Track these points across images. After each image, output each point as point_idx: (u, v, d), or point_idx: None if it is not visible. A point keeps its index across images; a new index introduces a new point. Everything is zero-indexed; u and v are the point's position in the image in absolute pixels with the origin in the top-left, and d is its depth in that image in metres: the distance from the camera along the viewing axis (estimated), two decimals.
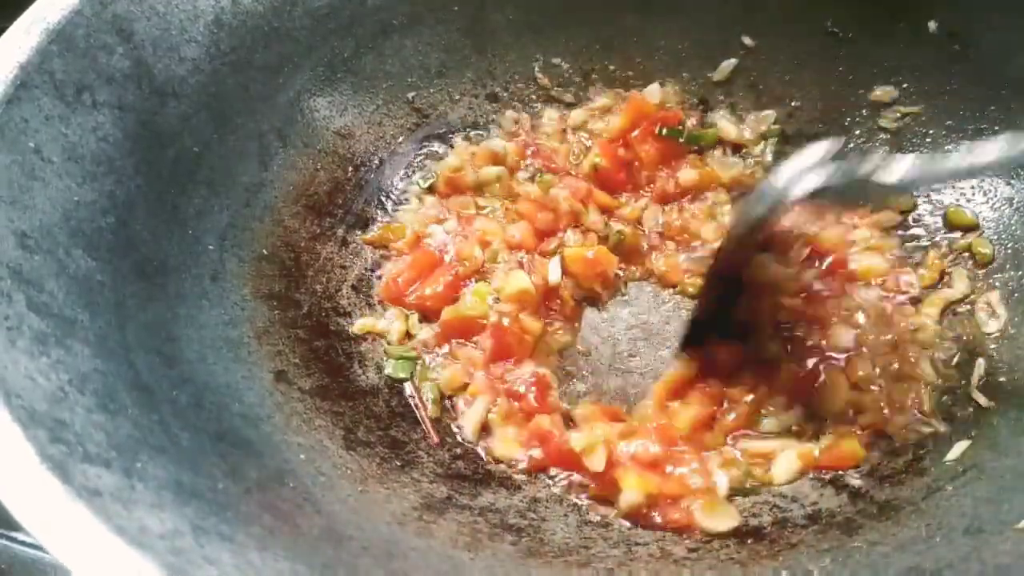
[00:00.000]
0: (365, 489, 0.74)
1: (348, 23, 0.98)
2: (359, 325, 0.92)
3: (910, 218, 0.95)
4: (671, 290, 0.96)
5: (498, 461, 0.82)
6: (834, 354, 0.85)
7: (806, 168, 0.75)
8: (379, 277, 0.96)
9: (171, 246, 0.80)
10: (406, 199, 1.02)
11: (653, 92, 1.04)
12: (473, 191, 1.02)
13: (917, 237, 0.94)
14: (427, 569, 0.66)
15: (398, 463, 0.79)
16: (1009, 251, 0.88)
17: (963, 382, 0.82)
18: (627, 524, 0.76)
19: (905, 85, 0.97)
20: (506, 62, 1.07)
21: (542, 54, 1.07)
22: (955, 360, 0.84)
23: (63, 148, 0.72)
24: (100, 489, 0.53)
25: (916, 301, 0.89)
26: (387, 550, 0.66)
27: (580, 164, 1.02)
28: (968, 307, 0.87)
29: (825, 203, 0.77)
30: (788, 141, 1.02)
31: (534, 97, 1.08)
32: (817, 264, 0.92)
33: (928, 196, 0.95)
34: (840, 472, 0.78)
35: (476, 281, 0.93)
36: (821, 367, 0.84)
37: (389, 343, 0.91)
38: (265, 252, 0.89)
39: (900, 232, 0.95)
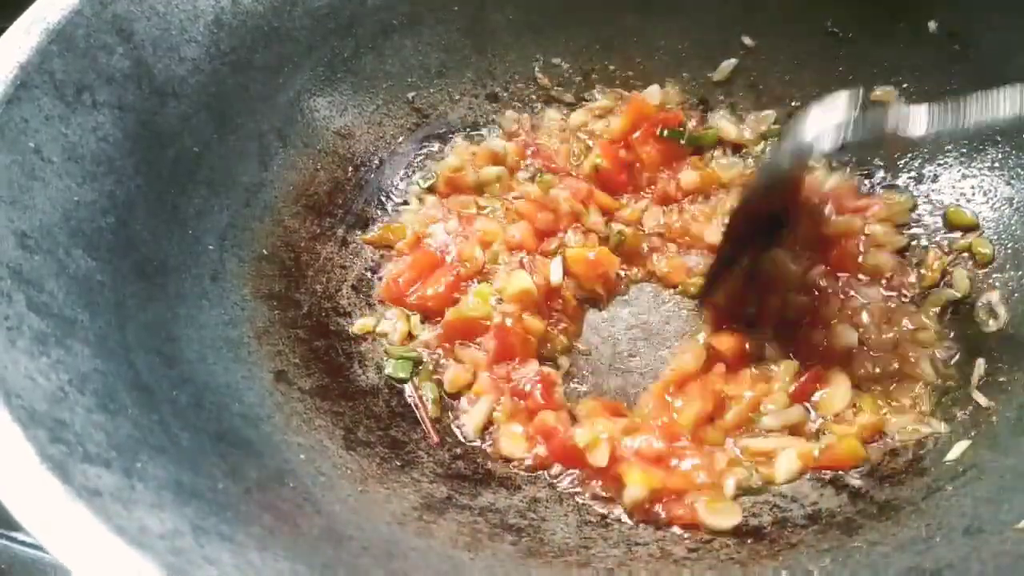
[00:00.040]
0: (365, 489, 0.74)
1: (348, 23, 0.98)
2: (359, 325, 0.92)
3: (910, 218, 0.95)
4: (671, 291, 0.96)
5: (503, 459, 0.82)
6: (836, 353, 0.85)
7: (832, 121, 0.74)
8: (379, 277, 0.96)
9: (171, 246, 0.80)
10: (406, 199, 1.02)
11: (653, 93, 1.04)
12: (473, 191, 1.02)
13: (917, 237, 0.94)
14: (427, 569, 0.66)
15: (398, 463, 0.79)
16: (1009, 251, 0.88)
17: (963, 382, 0.82)
18: (627, 524, 0.76)
19: (905, 85, 0.97)
20: (506, 62, 1.07)
21: (542, 54, 1.07)
22: (955, 360, 0.84)
23: (63, 148, 0.72)
24: (100, 489, 0.53)
25: (917, 301, 0.89)
26: (387, 550, 0.66)
27: (580, 165, 1.02)
28: (968, 307, 0.87)
29: (847, 155, 0.76)
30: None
31: (534, 97, 1.08)
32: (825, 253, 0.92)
33: (928, 196, 0.95)
34: (840, 472, 0.78)
35: (477, 282, 0.93)
36: (823, 366, 0.85)
37: (390, 343, 0.91)
38: (265, 252, 0.89)
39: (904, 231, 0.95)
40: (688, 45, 1.05)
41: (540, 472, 0.81)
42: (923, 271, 0.91)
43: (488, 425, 0.85)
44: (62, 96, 0.73)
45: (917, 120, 0.72)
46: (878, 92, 0.98)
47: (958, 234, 0.92)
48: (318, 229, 0.96)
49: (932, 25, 0.92)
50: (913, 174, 0.97)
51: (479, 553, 0.70)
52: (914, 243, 0.94)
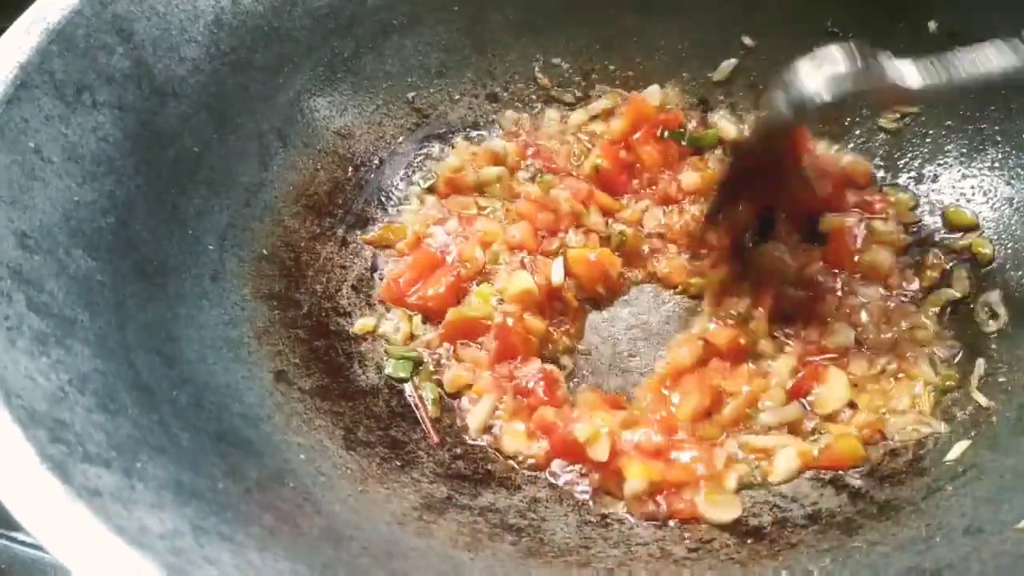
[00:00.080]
0: (365, 489, 0.74)
1: (348, 23, 0.98)
2: (359, 325, 0.92)
3: (912, 217, 0.95)
4: (671, 291, 0.96)
5: (507, 457, 0.82)
6: (833, 352, 0.85)
7: (832, 71, 0.73)
8: (380, 277, 0.96)
9: (171, 246, 0.80)
10: (406, 199, 1.02)
11: (653, 93, 1.04)
12: (474, 191, 1.02)
13: (917, 237, 0.94)
14: (427, 569, 0.66)
15: (398, 463, 0.79)
16: (1009, 251, 0.88)
17: (963, 382, 0.82)
18: (627, 524, 0.76)
19: None
20: (506, 62, 1.07)
21: (542, 54, 1.07)
22: (955, 360, 0.84)
23: (63, 148, 0.72)
24: (100, 489, 0.53)
25: (917, 301, 0.89)
26: (387, 550, 0.66)
27: (581, 165, 1.02)
28: (968, 307, 0.87)
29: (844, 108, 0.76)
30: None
31: (534, 97, 1.08)
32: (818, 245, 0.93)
33: (928, 196, 0.95)
34: (840, 472, 0.78)
35: (478, 282, 0.93)
36: (821, 364, 0.85)
37: (390, 343, 0.91)
38: (265, 252, 0.89)
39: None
40: (688, 45, 1.05)
41: (540, 472, 0.81)
42: (923, 271, 0.91)
43: (490, 425, 0.85)
44: (62, 96, 0.73)
45: (914, 72, 0.72)
46: None
47: (958, 234, 0.92)
48: (318, 229, 0.96)
49: (932, 25, 0.92)
50: (913, 174, 0.97)
51: (479, 553, 0.70)
52: (914, 243, 0.94)
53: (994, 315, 0.85)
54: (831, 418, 0.82)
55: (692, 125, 1.04)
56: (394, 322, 0.92)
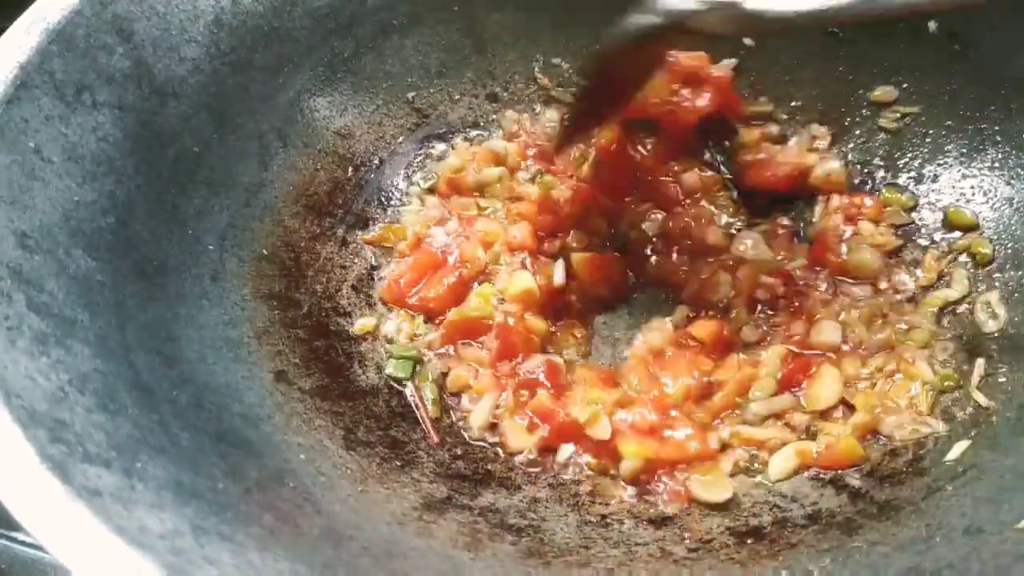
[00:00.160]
0: (365, 489, 0.74)
1: (348, 23, 0.98)
2: (359, 325, 0.92)
3: (909, 218, 0.95)
4: (671, 292, 0.96)
5: (511, 454, 0.83)
6: (819, 348, 0.86)
7: None
8: (380, 278, 0.96)
9: (171, 246, 0.80)
10: (407, 199, 1.02)
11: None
12: (474, 192, 1.02)
13: (916, 237, 0.94)
14: (427, 569, 0.66)
15: (398, 463, 0.79)
16: (1009, 251, 0.88)
17: (963, 382, 0.82)
18: (627, 524, 0.76)
19: (905, 85, 0.97)
20: (506, 62, 1.07)
21: (542, 54, 1.07)
22: (955, 360, 0.84)
23: (63, 148, 0.72)
24: (100, 489, 0.53)
25: (916, 300, 0.89)
26: (387, 550, 0.66)
27: (581, 166, 1.02)
28: (968, 307, 0.87)
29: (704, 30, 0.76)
30: (788, 141, 1.02)
31: (534, 97, 1.08)
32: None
33: (928, 196, 0.95)
34: (840, 472, 0.78)
35: (479, 282, 0.93)
36: (812, 358, 0.85)
37: (391, 343, 0.91)
38: (265, 252, 0.90)
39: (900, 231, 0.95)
40: (688, 45, 1.05)
41: (540, 473, 0.82)
42: (920, 271, 0.91)
43: (493, 423, 0.85)
44: (62, 96, 0.73)
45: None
46: (878, 92, 0.98)
47: (958, 234, 0.92)
48: (318, 229, 0.96)
49: (932, 25, 0.92)
50: (913, 174, 0.97)
51: (479, 553, 0.70)
52: (913, 243, 0.94)
53: (994, 315, 0.85)
54: (825, 416, 0.82)
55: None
56: (395, 322, 0.92)
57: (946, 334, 0.86)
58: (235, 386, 0.76)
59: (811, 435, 0.81)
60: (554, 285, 0.92)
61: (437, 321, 0.92)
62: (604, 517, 0.77)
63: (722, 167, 1.02)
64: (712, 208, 0.99)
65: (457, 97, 1.07)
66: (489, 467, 0.82)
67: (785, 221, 0.98)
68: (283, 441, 0.75)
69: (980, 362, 0.82)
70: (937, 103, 0.95)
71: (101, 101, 0.76)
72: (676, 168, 1.01)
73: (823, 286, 0.91)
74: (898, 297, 0.90)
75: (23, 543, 0.88)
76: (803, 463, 0.79)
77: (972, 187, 0.93)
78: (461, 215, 0.99)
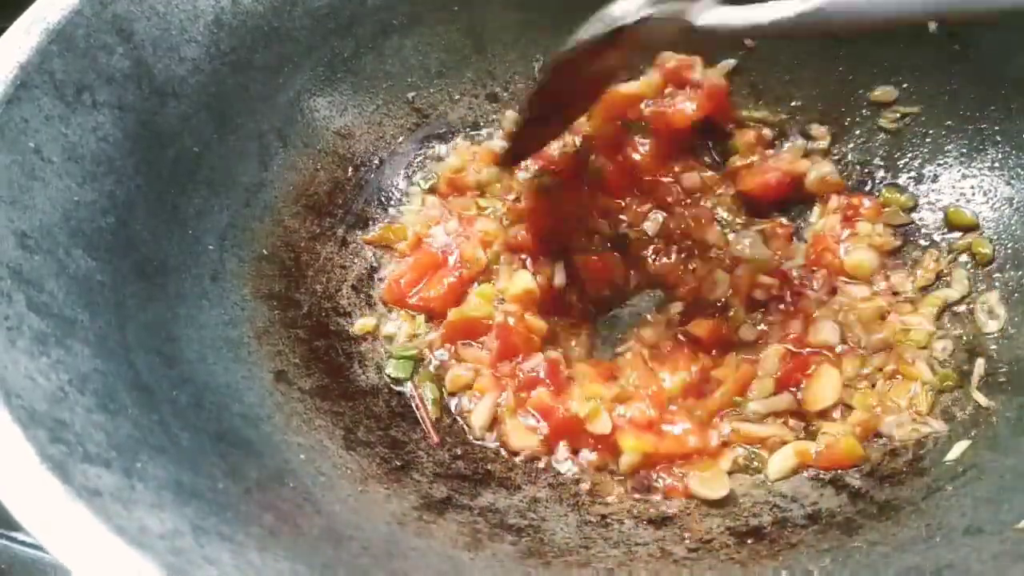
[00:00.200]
0: (365, 489, 0.74)
1: (348, 23, 0.98)
2: (359, 325, 0.92)
3: (909, 218, 0.95)
4: (671, 292, 0.96)
5: (512, 453, 0.83)
6: (817, 347, 0.86)
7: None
8: (380, 278, 0.96)
9: (171, 246, 0.80)
10: (407, 199, 1.02)
11: (632, 84, 1.03)
12: (474, 192, 1.02)
13: (916, 237, 0.94)
14: (427, 569, 0.66)
15: (398, 463, 0.79)
16: (1009, 251, 0.88)
17: (963, 382, 0.82)
18: (627, 524, 0.76)
19: (905, 85, 0.97)
20: (506, 62, 1.07)
21: (542, 54, 1.07)
22: (955, 360, 0.84)
23: (63, 148, 0.72)
24: (100, 489, 0.53)
25: (915, 301, 0.89)
26: (387, 550, 0.66)
27: (583, 166, 1.02)
28: (968, 307, 0.87)
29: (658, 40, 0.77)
30: (788, 141, 1.02)
31: None
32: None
33: (928, 196, 0.95)
34: (840, 472, 0.78)
35: (480, 282, 0.93)
36: (811, 357, 0.85)
37: (390, 342, 0.91)
38: (265, 252, 0.89)
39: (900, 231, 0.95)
40: (687, 45, 1.05)
41: (541, 472, 0.82)
42: (919, 271, 0.91)
43: (494, 423, 0.85)
44: (62, 96, 0.73)
45: (709, 9, 0.73)
46: (878, 92, 0.98)
47: (958, 234, 0.92)
48: (318, 229, 0.96)
49: (932, 25, 0.92)
50: (913, 174, 0.97)
51: (479, 553, 0.70)
52: (913, 243, 0.94)
53: (994, 315, 0.85)
54: (824, 415, 0.83)
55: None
56: (395, 322, 0.92)
57: (946, 334, 0.86)
58: (235, 386, 0.76)
59: (810, 434, 0.81)
60: (555, 286, 0.92)
61: (437, 321, 0.92)
62: (604, 517, 0.77)
63: (722, 166, 1.02)
64: (712, 208, 0.99)
65: (457, 97, 1.07)
66: (489, 467, 0.82)
67: (784, 221, 0.98)
68: (283, 441, 0.75)
69: (980, 362, 0.82)
70: (937, 103, 0.95)
71: (101, 101, 0.76)
72: (676, 168, 1.01)
73: (821, 286, 0.91)
74: (896, 297, 0.90)
75: (23, 543, 0.88)
76: (802, 462, 0.79)
77: (972, 187, 0.93)
78: (461, 215, 0.99)
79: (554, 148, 1.00)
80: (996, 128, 0.91)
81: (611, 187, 1.00)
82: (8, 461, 0.53)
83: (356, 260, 0.97)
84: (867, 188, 0.98)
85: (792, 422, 0.83)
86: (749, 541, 0.73)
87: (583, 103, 0.96)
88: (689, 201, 1.00)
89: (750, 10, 0.71)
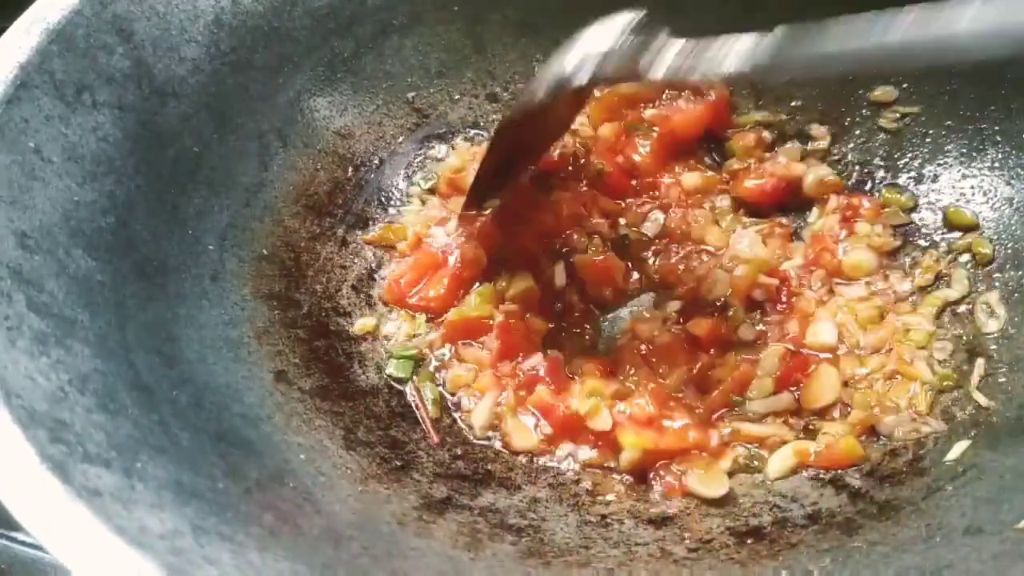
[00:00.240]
0: (365, 489, 0.74)
1: (348, 23, 0.98)
2: (359, 325, 0.92)
3: (909, 218, 0.95)
4: (671, 292, 0.96)
5: (514, 453, 0.83)
6: (815, 348, 0.86)
7: (594, 50, 0.77)
8: (380, 278, 0.96)
9: (171, 246, 0.80)
10: (407, 199, 1.02)
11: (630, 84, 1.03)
12: None
13: (916, 237, 0.94)
14: (427, 569, 0.66)
15: (398, 463, 0.79)
16: (1009, 251, 0.88)
17: (963, 382, 0.82)
18: (627, 524, 0.76)
19: (905, 85, 0.97)
20: (506, 62, 1.07)
21: (542, 54, 1.07)
22: (954, 360, 0.84)
23: (63, 148, 0.72)
24: (100, 489, 0.53)
25: (915, 301, 0.89)
26: (387, 550, 0.66)
27: (582, 167, 1.02)
28: (967, 307, 0.87)
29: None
30: (788, 141, 1.02)
31: None
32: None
33: (928, 196, 0.95)
34: (840, 472, 0.78)
35: (480, 282, 0.93)
36: (810, 357, 0.86)
37: (391, 343, 0.91)
38: (265, 252, 0.89)
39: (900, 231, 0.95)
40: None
41: (541, 471, 0.82)
42: (918, 271, 0.91)
43: (494, 423, 0.85)
44: (62, 96, 0.73)
45: (662, 63, 0.74)
46: (878, 92, 0.98)
47: (958, 234, 0.92)
48: (318, 229, 0.96)
49: None
50: (913, 174, 0.97)
51: (479, 553, 0.70)
52: (912, 243, 0.94)
53: (994, 315, 0.85)
54: (822, 414, 0.83)
55: None
56: (395, 322, 0.92)
57: (945, 334, 0.86)
58: (235, 386, 0.76)
59: (810, 434, 0.81)
60: (556, 287, 0.92)
61: (437, 321, 0.92)
62: (604, 517, 0.77)
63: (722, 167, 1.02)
64: (712, 208, 1.00)
65: (457, 97, 1.07)
66: (489, 467, 0.82)
67: (783, 221, 0.98)
68: (283, 441, 0.74)
69: (980, 362, 0.82)
70: (937, 103, 0.95)
71: (101, 101, 0.76)
72: (676, 169, 1.01)
73: (820, 286, 0.91)
74: (895, 298, 0.90)
75: (23, 543, 0.88)
76: (802, 462, 0.79)
77: (972, 187, 0.93)
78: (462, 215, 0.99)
79: (554, 149, 1.00)
80: (996, 128, 0.91)
81: (611, 188, 1.00)
82: (8, 461, 0.52)
83: (356, 260, 0.97)
84: (867, 188, 0.98)
85: (792, 421, 0.83)
86: (749, 541, 0.73)
87: (543, 146, 0.96)
88: (690, 202, 1.00)
89: (703, 59, 0.72)
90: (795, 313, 0.89)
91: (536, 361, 0.86)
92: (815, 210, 0.98)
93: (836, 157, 1.00)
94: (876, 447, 0.80)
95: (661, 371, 0.86)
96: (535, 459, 0.82)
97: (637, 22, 0.76)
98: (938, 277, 0.90)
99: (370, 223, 1.00)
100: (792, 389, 0.84)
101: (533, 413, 0.84)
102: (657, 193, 1.01)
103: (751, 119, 1.04)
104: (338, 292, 0.94)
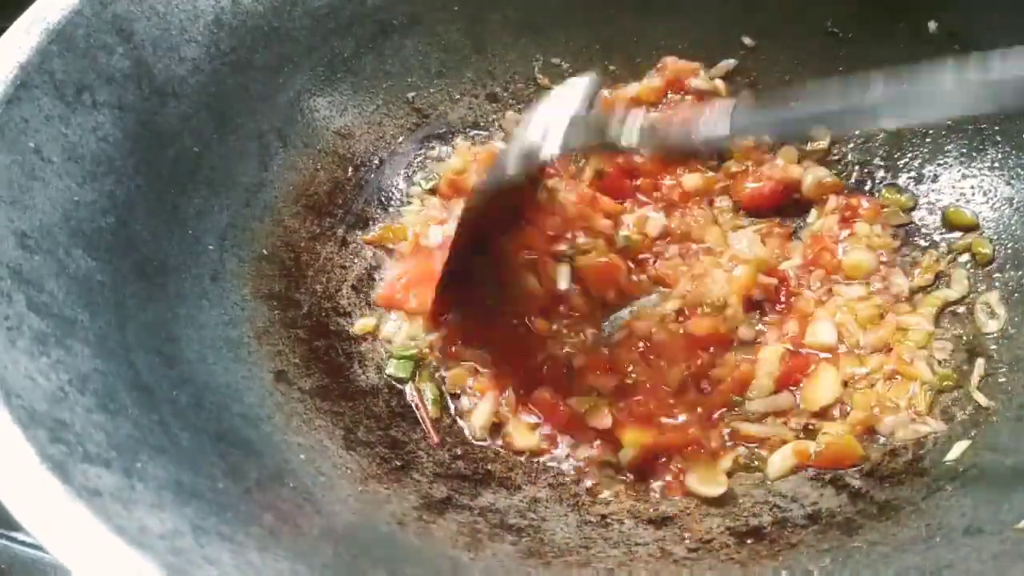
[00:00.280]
0: (365, 489, 0.74)
1: (348, 23, 0.98)
2: (359, 325, 0.92)
3: (908, 218, 0.95)
4: (672, 292, 0.96)
5: (516, 453, 0.83)
6: (815, 348, 0.86)
7: (558, 120, 0.76)
8: (380, 278, 0.96)
9: (171, 246, 0.80)
10: (407, 200, 1.02)
11: (633, 86, 1.03)
12: None
13: (916, 237, 0.94)
14: (427, 569, 0.66)
15: (398, 463, 0.79)
16: (1009, 251, 0.88)
17: (963, 382, 0.82)
18: (627, 524, 0.76)
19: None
20: (506, 62, 1.07)
21: (542, 54, 1.07)
22: (954, 360, 0.84)
23: (63, 148, 0.72)
24: (100, 489, 0.53)
25: (915, 301, 0.89)
26: (387, 550, 0.66)
27: (583, 168, 1.02)
28: (967, 307, 0.87)
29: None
30: (787, 141, 1.02)
31: (534, 97, 1.08)
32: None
33: (928, 196, 0.95)
34: (840, 472, 0.78)
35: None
36: (811, 356, 0.86)
37: (390, 342, 0.91)
38: (265, 252, 0.89)
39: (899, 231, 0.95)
40: (688, 45, 1.05)
41: (540, 473, 0.82)
42: (918, 271, 0.91)
43: (494, 424, 0.85)
44: (62, 96, 0.73)
45: (632, 132, 0.73)
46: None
47: (958, 234, 0.92)
48: (318, 229, 0.96)
49: (932, 25, 0.92)
50: (913, 174, 0.97)
51: (479, 553, 0.70)
52: (912, 243, 0.94)
53: (994, 315, 0.85)
54: (822, 415, 0.83)
55: None
56: (395, 322, 0.92)
57: (945, 334, 0.86)
58: (235, 386, 0.76)
59: (810, 434, 0.81)
60: (560, 290, 0.92)
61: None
62: (604, 517, 0.77)
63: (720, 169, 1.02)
64: (712, 208, 1.00)
65: (457, 97, 1.07)
66: (489, 467, 0.82)
67: (782, 221, 0.98)
68: (283, 441, 0.75)
69: (980, 362, 0.82)
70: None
71: (101, 101, 0.76)
72: (677, 170, 1.01)
73: (819, 286, 0.91)
74: (895, 298, 0.90)
75: (23, 543, 0.88)
76: (802, 462, 0.79)
77: (972, 187, 0.93)
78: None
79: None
80: (996, 128, 0.91)
81: (612, 189, 1.00)
82: (8, 461, 0.52)
83: (356, 260, 0.97)
84: (867, 188, 0.98)
85: (792, 422, 0.83)
86: (749, 541, 0.73)
87: (515, 221, 0.94)
88: (690, 202, 1.00)
89: (674, 129, 0.72)
90: (794, 313, 0.89)
91: (536, 360, 0.86)
92: (814, 211, 0.98)
93: (836, 157, 1.01)
94: (876, 447, 0.80)
95: (661, 370, 0.85)
96: (535, 459, 0.82)
97: (593, 86, 0.75)
98: (938, 277, 0.90)
99: (370, 223, 1.00)
100: (792, 389, 0.84)
101: (534, 413, 0.84)
102: (658, 194, 1.01)
103: None
104: (338, 292, 0.94)
